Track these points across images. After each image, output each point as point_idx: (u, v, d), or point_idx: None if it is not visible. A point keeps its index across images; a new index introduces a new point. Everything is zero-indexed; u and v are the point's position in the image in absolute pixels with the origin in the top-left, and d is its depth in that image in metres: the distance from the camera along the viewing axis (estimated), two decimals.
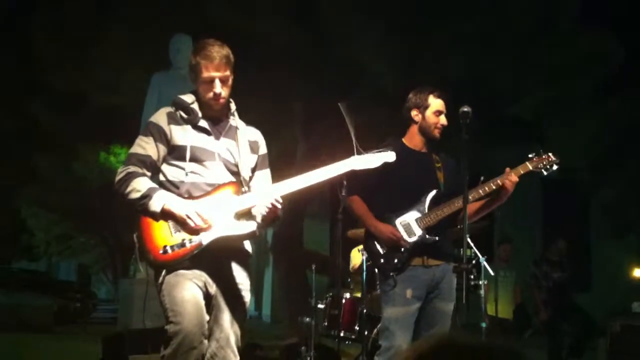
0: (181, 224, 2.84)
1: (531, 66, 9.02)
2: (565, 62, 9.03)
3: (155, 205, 2.82)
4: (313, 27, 8.93)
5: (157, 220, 2.86)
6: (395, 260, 3.55)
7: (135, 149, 2.99)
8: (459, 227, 3.72)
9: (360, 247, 6.49)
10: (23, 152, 15.39)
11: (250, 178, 3.16)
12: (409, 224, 3.57)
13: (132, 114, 8.23)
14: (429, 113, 3.65)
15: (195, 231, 2.84)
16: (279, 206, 2.90)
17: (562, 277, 7.97)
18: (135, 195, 2.85)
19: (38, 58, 11.81)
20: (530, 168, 3.56)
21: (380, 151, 3.00)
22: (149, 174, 2.96)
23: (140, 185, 2.86)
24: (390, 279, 3.54)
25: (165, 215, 2.84)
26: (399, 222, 3.59)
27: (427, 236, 3.55)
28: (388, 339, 3.54)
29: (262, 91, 8.62)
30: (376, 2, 8.66)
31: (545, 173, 3.57)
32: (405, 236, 3.54)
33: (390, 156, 3.01)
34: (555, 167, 3.57)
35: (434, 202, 3.58)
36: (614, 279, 13.53)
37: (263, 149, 3.22)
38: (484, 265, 6.33)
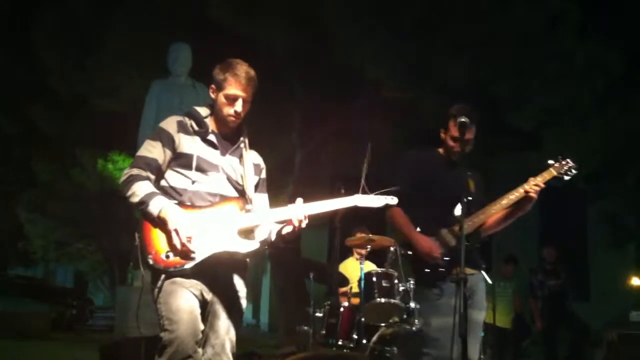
0: (167, 236, 2.83)
1: (531, 75, 9.02)
2: (565, 71, 9.03)
3: (153, 210, 2.82)
4: (312, 33, 8.94)
5: (155, 226, 2.86)
6: (443, 270, 3.64)
7: (142, 151, 3.03)
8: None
9: (357, 256, 6.48)
10: (22, 157, 15.37)
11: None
12: (449, 232, 3.68)
13: (131, 121, 8.21)
14: (449, 134, 3.79)
15: (174, 248, 2.82)
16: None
17: (557, 284, 7.98)
18: (134, 199, 2.87)
19: (38, 63, 11.82)
20: (555, 174, 3.64)
21: (384, 193, 3.12)
22: (153, 177, 2.98)
23: (140, 189, 2.88)
24: (437, 288, 3.62)
25: (161, 221, 2.82)
26: (441, 231, 3.69)
27: (467, 243, 3.54)
28: (436, 348, 3.57)
29: (259, 98, 8.58)
30: (377, 9, 8.65)
31: (566, 178, 3.65)
32: (449, 243, 3.65)
33: (392, 200, 3.12)
34: (574, 172, 3.60)
35: (469, 210, 3.63)
36: (612, 288, 13.49)
37: (264, 174, 3.29)
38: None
